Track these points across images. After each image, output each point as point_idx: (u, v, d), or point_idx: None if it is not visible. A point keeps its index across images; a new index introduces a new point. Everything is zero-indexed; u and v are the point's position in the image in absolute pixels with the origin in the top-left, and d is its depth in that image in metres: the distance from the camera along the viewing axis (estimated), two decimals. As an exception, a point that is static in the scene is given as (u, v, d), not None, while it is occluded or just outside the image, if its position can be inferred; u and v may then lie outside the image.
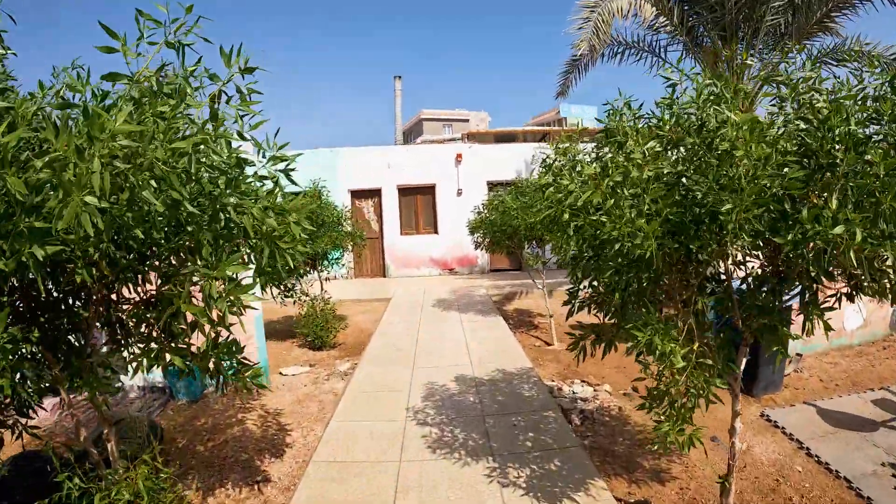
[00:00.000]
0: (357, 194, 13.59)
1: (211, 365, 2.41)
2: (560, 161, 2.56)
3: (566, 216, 2.27)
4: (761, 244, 2.31)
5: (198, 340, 2.35)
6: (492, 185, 13.51)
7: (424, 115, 39.72)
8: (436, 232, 13.49)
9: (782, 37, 8.93)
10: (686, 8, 9.28)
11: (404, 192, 13.51)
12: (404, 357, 6.11)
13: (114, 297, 2.44)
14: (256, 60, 2.09)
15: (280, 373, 5.91)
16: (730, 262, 2.47)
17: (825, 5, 8.47)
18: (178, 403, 4.97)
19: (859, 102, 2.06)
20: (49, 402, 4.30)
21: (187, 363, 2.33)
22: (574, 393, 4.95)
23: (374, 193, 13.52)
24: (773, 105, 2.30)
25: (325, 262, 7.05)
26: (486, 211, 7.11)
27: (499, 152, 13.55)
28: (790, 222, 2.00)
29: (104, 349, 2.54)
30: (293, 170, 2.41)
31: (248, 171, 2.29)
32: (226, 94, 2.13)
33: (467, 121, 37.70)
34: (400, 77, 17.93)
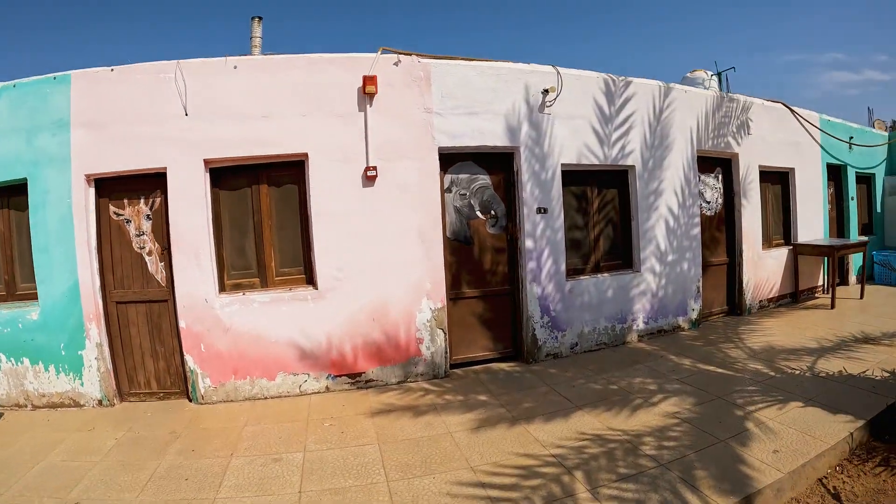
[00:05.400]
0: (111, 189, 5.16)
1: None
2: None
3: None
4: None
5: None
6: (451, 158, 5.74)
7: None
8: (310, 282, 5.27)
9: None
10: None
11: (226, 175, 5.24)
12: None
13: None
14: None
15: None
16: None
17: None
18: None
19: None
20: None
21: None
22: None
23: (152, 184, 5.15)
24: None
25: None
26: None
27: (473, 75, 5.57)
28: None
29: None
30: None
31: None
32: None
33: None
34: (260, 18, 9.59)
